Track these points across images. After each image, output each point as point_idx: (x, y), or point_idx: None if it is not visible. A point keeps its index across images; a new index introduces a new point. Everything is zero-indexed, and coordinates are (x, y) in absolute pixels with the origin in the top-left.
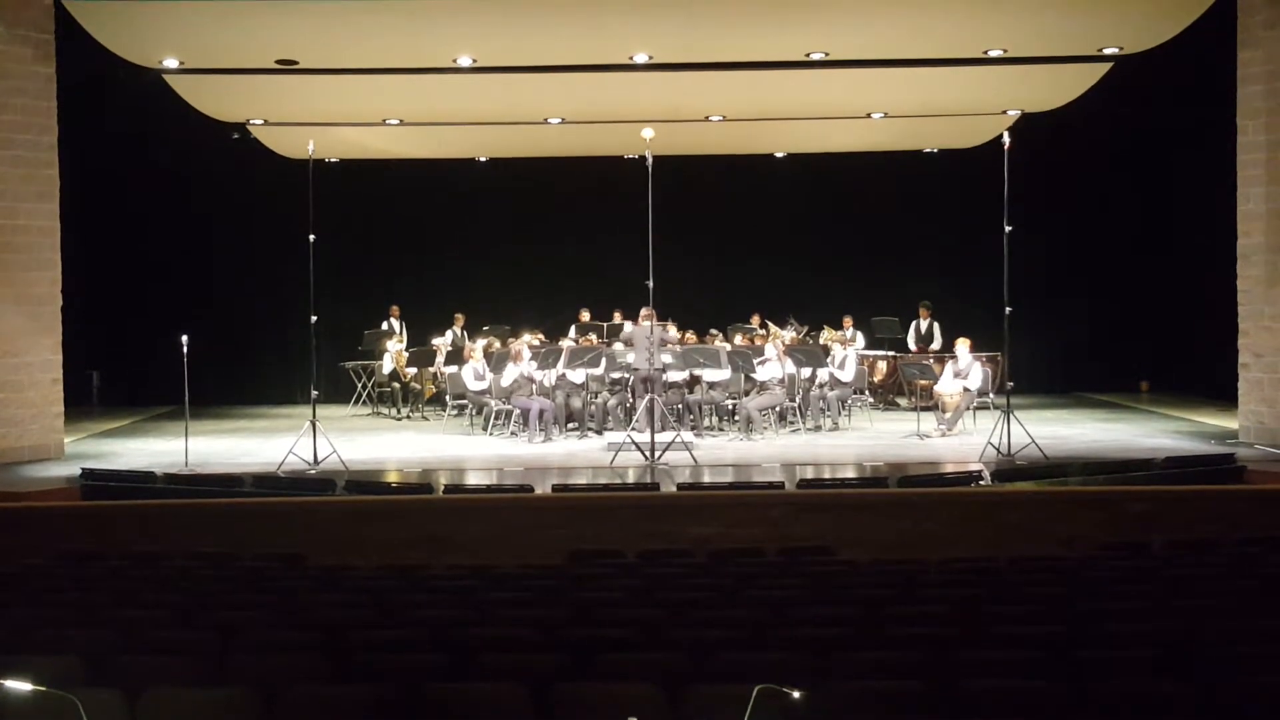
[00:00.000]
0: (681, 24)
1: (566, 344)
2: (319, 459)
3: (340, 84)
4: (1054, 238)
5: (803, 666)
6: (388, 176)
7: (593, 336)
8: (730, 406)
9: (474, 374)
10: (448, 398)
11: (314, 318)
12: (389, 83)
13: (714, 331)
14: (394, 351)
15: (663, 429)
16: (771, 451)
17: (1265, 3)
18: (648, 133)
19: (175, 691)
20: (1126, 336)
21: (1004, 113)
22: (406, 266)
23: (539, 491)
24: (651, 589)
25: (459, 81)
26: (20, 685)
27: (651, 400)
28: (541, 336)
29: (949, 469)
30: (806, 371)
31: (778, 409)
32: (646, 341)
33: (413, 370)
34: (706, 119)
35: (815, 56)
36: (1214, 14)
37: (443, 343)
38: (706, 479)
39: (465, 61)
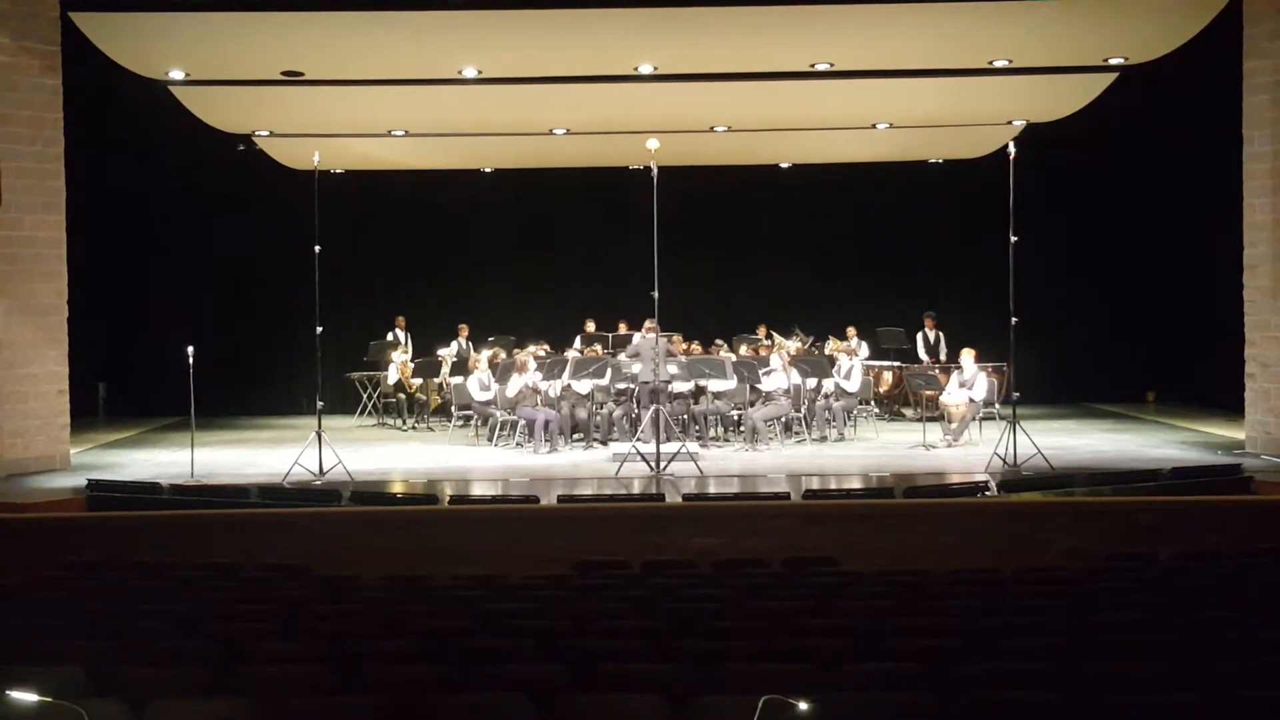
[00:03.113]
0: (686, 35)
1: (572, 354)
2: (324, 470)
3: (346, 95)
4: (1060, 248)
5: (808, 677)
6: (393, 187)
7: (598, 347)
8: (735, 417)
9: (479, 384)
10: (453, 408)
11: (319, 329)
12: (394, 94)
13: (719, 342)
14: (399, 362)
15: (668, 440)
16: (777, 462)
17: (1271, 13)
18: (653, 143)
19: (180, 703)
20: (1132, 346)
21: (1009, 123)
22: (411, 277)
23: (544, 502)
24: (656, 600)
25: (464, 93)
26: (26, 696)
27: (657, 411)
28: (547, 347)
29: (955, 480)
30: (812, 382)
31: (783, 419)
32: (652, 353)
33: (418, 381)
34: (711, 129)
35: (820, 67)
36: (1220, 25)
37: (448, 353)
38: (711, 490)
39: (470, 73)
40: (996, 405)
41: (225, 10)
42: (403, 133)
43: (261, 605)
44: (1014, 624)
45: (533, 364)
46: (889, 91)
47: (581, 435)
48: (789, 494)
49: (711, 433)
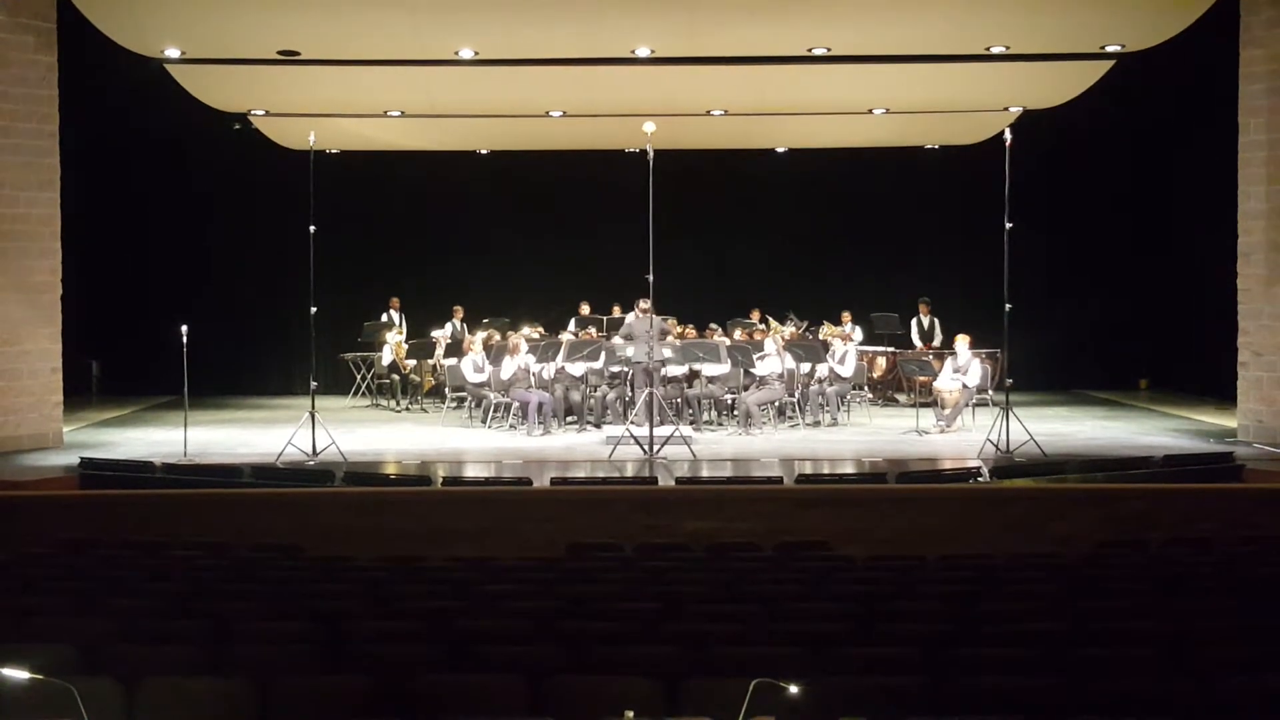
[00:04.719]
0: (683, 18)
1: (566, 337)
2: (318, 450)
3: (342, 75)
4: (1054, 235)
5: (799, 661)
6: (388, 168)
7: (592, 330)
8: (729, 401)
9: (473, 366)
10: (446, 390)
11: (314, 309)
12: (390, 75)
13: (713, 326)
14: (393, 343)
15: (661, 423)
16: (770, 446)
17: (1268, 2)
18: (649, 126)
19: (172, 681)
20: (1126, 334)
21: (1006, 109)
22: (406, 258)
23: (537, 484)
24: (649, 582)
25: (460, 74)
26: (17, 673)
27: (650, 394)
28: (541, 329)
29: (948, 465)
30: (806, 367)
31: (777, 404)
32: (646, 334)
33: (412, 362)
34: (708, 113)
35: (817, 51)
36: (1216, 12)
37: (442, 335)
38: (705, 473)
39: (467, 54)
40: (990, 391)
41: None
42: (399, 113)
43: (253, 585)
44: (1005, 610)
45: (524, 346)
46: (886, 77)
47: (575, 418)
48: (782, 478)
49: (705, 416)
